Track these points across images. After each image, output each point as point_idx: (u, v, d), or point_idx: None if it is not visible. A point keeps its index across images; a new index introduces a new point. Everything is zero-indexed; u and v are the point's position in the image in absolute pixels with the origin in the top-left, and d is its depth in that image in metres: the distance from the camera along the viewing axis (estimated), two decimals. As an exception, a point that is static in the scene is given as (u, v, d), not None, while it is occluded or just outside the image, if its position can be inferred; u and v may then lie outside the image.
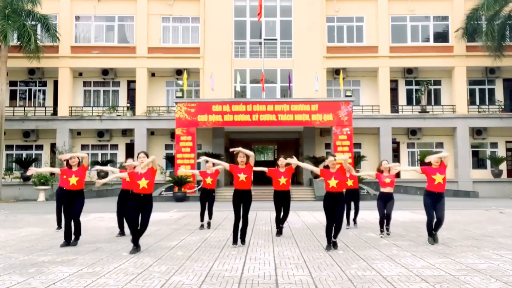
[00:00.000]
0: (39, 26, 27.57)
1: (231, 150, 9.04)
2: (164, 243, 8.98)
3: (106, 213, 15.64)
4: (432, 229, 8.76)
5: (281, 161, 10.01)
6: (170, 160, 27.37)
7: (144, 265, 6.87)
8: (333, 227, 8.15)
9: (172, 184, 24.80)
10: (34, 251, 8.25)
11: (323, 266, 6.70)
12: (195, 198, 23.93)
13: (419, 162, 28.37)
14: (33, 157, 28.77)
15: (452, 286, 5.49)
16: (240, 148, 8.79)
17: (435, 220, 8.73)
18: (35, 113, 29.14)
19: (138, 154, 8.21)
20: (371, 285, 5.57)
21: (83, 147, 29.09)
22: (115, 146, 29.47)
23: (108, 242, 9.30)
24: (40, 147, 29.37)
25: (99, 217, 14.28)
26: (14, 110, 29.04)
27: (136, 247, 8.00)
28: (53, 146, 28.55)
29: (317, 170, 8.55)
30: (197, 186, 25.21)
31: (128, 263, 7.05)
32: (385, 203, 9.89)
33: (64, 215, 9.06)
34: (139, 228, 8.03)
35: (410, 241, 9.10)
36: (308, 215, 14.54)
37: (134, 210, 7.99)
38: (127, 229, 9.61)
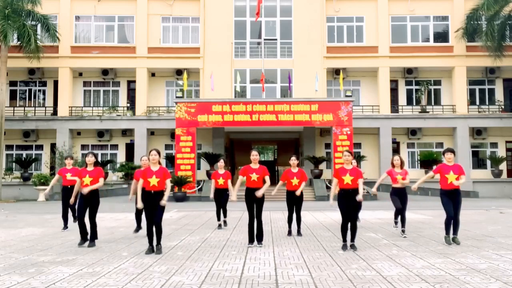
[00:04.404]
0: (39, 26, 27.60)
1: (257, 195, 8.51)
2: (164, 243, 8.96)
3: (106, 213, 15.63)
4: (450, 228, 8.66)
5: (293, 161, 10.03)
6: (170, 160, 27.35)
7: (144, 265, 6.86)
8: (350, 227, 8.14)
9: (172, 184, 24.77)
10: (34, 251, 8.24)
11: (323, 266, 6.70)
12: (195, 198, 24.03)
13: (419, 162, 28.41)
14: (33, 157, 28.78)
15: (452, 286, 5.49)
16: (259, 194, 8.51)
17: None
18: (35, 113, 29.15)
19: (150, 152, 8.04)
20: (371, 285, 5.57)
21: (83, 147, 29.10)
22: (115, 146, 29.48)
23: (108, 242, 9.29)
24: (40, 147, 29.38)
25: (99, 217, 14.22)
26: (14, 110, 29.06)
27: (151, 248, 7.86)
28: (53, 146, 28.56)
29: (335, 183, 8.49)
30: (197, 186, 25.22)
31: (128, 263, 7.04)
32: (398, 197, 9.76)
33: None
34: (153, 226, 7.92)
35: (410, 241, 9.09)
36: (308, 215, 14.53)
37: (146, 207, 7.91)
38: (143, 229, 9.52)
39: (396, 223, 9.90)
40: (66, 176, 11.11)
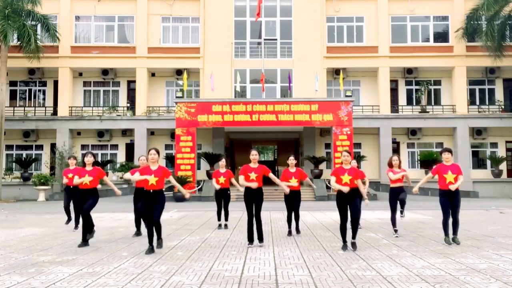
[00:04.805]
0: (39, 26, 27.60)
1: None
2: (164, 243, 8.97)
3: (106, 213, 15.64)
4: (448, 229, 8.65)
5: (291, 161, 10.02)
6: (170, 160, 27.35)
7: (144, 265, 6.86)
8: (351, 225, 8.16)
9: (172, 184, 24.77)
10: (34, 251, 8.24)
11: (323, 266, 6.70)
12: (195, 198, 24.01)
13: (419, 162, 28.40)
14: (33, 157, 28.77)
15: (452, 286, 5.49)
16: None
17: (451, 219, 8.65)
18: (35, 113, 29.15)
19: (149, 151, 8.07)
20: (371, 285, 5.57)
21: (83, 147, 29.09)
22: (115, 146, 29.47)
23: (108, 242, 9.29)
24: (40, 147, 29.38)
25: (99, 217, 14.25)
26: (14, 110, 29.05)
27: (151, 247, 7.85)
28: (53, 146, 28.55)
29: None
30: (197, 186, 25.21)
31: (128, 263, 7.05)
32: (397, 197, 9.88)
33: (80, 215, 8.91)
34: (152, 223, 7.96)
35: (410, 241, 9.09)
36: (308, 215, 14.54)
37: (145, 206, 8.01)
38: (143, 231, 9.55)
39: (396, 231, 9.87)
40: (68, 177, 11.11)
